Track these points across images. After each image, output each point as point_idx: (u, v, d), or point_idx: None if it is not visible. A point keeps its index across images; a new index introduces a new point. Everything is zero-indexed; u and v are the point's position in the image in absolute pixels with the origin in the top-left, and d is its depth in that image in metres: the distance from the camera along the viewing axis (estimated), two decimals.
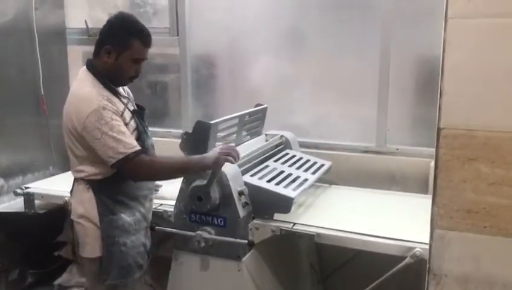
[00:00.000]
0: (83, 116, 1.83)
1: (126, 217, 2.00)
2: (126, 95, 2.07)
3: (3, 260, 2.89)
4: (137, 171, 1.89)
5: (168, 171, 1.98)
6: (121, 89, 2.04)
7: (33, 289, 3.03)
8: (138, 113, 2.04)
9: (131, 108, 2.02)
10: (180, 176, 2.11)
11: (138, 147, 1.88)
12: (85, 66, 1.97)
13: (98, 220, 1.96)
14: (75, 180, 2.04)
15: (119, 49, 1.90)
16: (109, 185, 1.96)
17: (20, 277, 3.00)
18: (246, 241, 1.99)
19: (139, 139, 1.97)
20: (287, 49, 3.02)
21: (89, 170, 1.94)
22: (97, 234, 1.97)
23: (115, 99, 1.93)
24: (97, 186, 1.96)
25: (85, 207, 1.99)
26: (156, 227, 2.16)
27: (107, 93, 1.91)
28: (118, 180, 1.95)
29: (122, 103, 1.98)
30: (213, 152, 1.98)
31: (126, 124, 1.92)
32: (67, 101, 1.93)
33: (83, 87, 1.91)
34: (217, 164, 1.95)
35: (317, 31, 2.93)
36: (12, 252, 2.91)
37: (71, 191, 2.09)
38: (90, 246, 2.00)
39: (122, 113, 1.93)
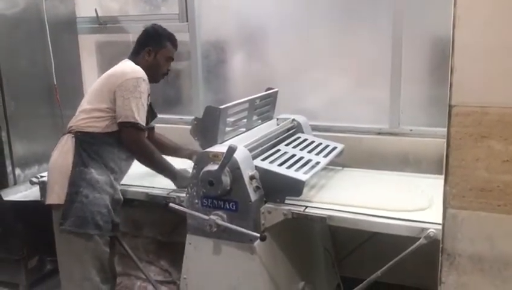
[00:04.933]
0: (125, 76, 2.21)
1: (96, 174, 2.21)
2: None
3: (23, 248, 2.95)
4: (133, 139, 2.24)
5: (150, 159, 2.32)
6: None
7: (52, 276, 3.08)
8: (151, 111, 2.43)
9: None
10: (151, 168, 2.36)
11: (144, 124, 2.25)
12: (127, 59, 2.39)
13: (70, 169, 2.19)
14: (64, 134, 2.31)
15: (157, 49, 2.39)
16: (92, 141, 2.23)
17: (40, 264, 3.06)
18: (258, 235, 1.98)
19: None
20: (298, 32, 2.98)
21: (89, 119, 2.24)
22: (66, 183, 2.19)
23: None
24: (82, 138, 2.23)
25: (62, 156, 2.24)
26: (170, 204, 2.16)
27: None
28: (102, 142, 2.24)
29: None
30: (184, 181, 2.26)
31: None
32: (109, 72, 2.30)
33: (132, 64, 2.33)
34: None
35: (328, 14, 2.89)
36: (30, 241, 2.97)
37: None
38: (57, 194, 2.21)
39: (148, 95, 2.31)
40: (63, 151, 2.25)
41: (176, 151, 2.63)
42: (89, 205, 2.17)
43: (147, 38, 2.41)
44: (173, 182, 2.33)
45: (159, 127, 2.72)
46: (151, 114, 2.44)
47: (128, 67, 2.29)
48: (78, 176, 2.19)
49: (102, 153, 2.25)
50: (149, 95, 2.32)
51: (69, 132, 2.28)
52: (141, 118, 2.21)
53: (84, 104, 2.31)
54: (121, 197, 2.33)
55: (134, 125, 2.20)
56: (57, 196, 2.21)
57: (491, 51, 1.31)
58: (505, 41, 1.29)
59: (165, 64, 2.43)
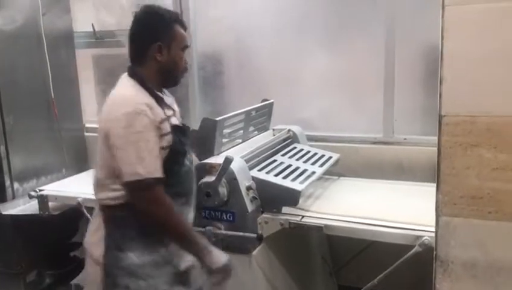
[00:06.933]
0: (112, 117, 1.58)
1: (134, 258, 1.65)
2: (172, 107, 1.75)
3: (21, 262, 2.94)
4: (147, 205, 1.59)
5: (174, 226, 1.64)
6: (167, 100, 1.75)
7: None
8: (181, 130, 1.73)
9: (174, 122, 1.71)
10: (176, 242, 1.68)
11: (159, 175, 1.58)
12: (126, 74, 1.71)
13: (102, 254, 1.66)
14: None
15: (169, 42, 1.69)
16: (123, 214, 1.64)
17: (38, 278, 3.05)
18: (254, 235, 2.01)
19: (173, 160, 1.66)
20: (292, 43, 3.02)
21: (108, 190, 1.65)
22: (97, 271, 1.68)
23: (156, 107, 1.64)
24: (110, 213, 1.67)
25: (91, 237, 1.74)
26: None
27: (149, 100, 1.63)
28: (134, 209, 1.62)
29: (165, 113, 1.67)
30: (220, 257, 1.67)
31: (162, 135, 1.62)
32: (104, 105, 1.66)
33: (122, 89, 1.67)
34: (212, 269, 1.65)
35: (322, 25, 2.94)
36: (29, 254, 2.96)
37: None
38: (92, 287, 1.73)
39: (162, 122, 1.63)
40: (92, 230, 1.74)
41: None
42: None
43: (150, 30, 1.69)
44: (202, 261, 1.66)
45: None
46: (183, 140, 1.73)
47: (117, 99, 1.65)
48: (112, 263, 1.66)
49: (140, 227, 1.65)
50: (173, 115, 1.70)
51: (98, 203, 1.74)
52: (147, 167, 1.55)
53: (97, 168, 1.71)
54: (188, 264, 1.75)
55: (142, 183, 1.56)
56: (90, 286, 1.76)
57: (478, 62, 1.34)
58: (491, 52, 1.32)
59: (182, 58, 1.74)
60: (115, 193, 1.63)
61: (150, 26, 1.69)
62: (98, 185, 1.69)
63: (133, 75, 1.68)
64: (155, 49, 1.67)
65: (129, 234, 1.65)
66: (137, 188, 1.57)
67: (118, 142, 1.56)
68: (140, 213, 1.61)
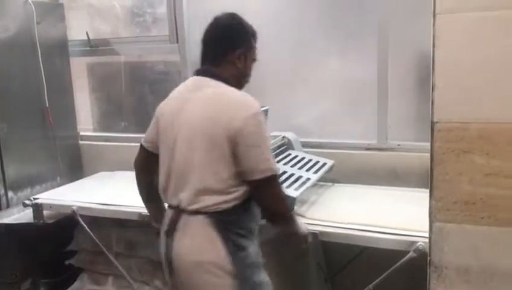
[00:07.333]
0: (241, 118, 1.59)
1: (253, 252, 1.72)
2: None
3: (16, 271, 2.93)
4: (277, 198, 1.68)
5: (291, 215, 1.83)
6: None
7: None
8: None
9: None
10: (285, 226, 1.83)
11: None
12: (201, 76, 1.76)
13: (229, 262, 1.64)
14: (185, 213, 1.69)
15: (246, 51, 1.78)
16: (235, 217, 1.67)
17: (33, 287, 3.03)
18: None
19: None
20: (287, 50, 3.04)
21: (221, 195, 1.64)
22: (229, 281, 1.64)
23: None
24: (223, 218, 1.65)
25: (211, 253, 1.65)
26: None
27: None
28: (240, 210, 1.68)
29: None
30: (303, 225, 1.91)
31: None
32: (209, 105, 1.66)
33: (230, 90, 1.69)
34: (302, 238, 1.90)
35: (316, 32, 2.96)
36: (24, 263, 2.95)
37: (173, 224, 1.72)
38: None
39: None
40: (207, 242, 1.66)
41: None
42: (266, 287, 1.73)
43: (234, 36, 1.77)
44: (297, 233, 1.87)
45: None
46: None
47: (233, 100, 1.66)
48: (242, 266, 1.67)
49: (245, 225, 1.71)
50: None
51: (197, 213, 1.66)
52: (275, 163, 1.69)
53: (203, 176, 1.65)
54: None
55: (275, 177, 1.65)
56: None
57: (470, 69, 1.36)
58: (482, 60, 1.34)
59: (251, 69, 1.85)
60: (231, 196, 1.65)
61: (234, 32, 1.77)
62: (207, 192, 1.65)
63: (217, 77, 1.72)
64: (235, 55, 1.74)
65: (242, 233, 1.69)
66: (272, 183, 1.64)
67: (252, 140, 1.59)
68: (266, 208, 1.70)
